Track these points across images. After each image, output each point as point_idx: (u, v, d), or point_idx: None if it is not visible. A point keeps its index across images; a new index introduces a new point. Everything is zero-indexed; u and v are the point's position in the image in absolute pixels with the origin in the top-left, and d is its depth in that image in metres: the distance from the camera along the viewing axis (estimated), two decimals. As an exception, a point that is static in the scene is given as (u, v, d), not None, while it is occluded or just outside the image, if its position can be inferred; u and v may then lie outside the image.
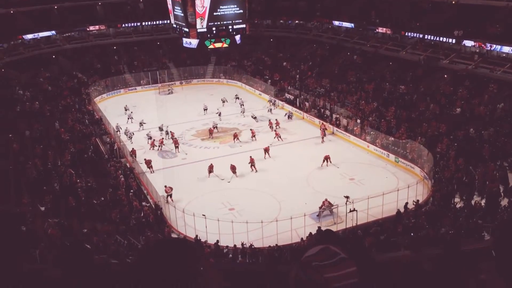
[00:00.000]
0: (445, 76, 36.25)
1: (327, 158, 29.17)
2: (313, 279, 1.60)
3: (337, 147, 32.86)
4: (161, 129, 35.98)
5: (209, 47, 35.87)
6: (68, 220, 20.68)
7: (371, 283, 1.67)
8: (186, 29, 34.25)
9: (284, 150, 31.57)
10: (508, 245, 1.73)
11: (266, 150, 30.75)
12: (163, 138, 34.09)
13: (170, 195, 25.62)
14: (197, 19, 33.57)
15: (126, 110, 40.91)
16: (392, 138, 31.06)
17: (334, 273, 1.61)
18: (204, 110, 41.04)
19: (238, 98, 43.81)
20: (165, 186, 25.95)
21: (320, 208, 23.30)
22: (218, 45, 36.09)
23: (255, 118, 38.63)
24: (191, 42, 35.33)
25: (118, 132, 36.14)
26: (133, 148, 31.86)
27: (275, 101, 43.07)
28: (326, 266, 1.63)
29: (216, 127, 36.65)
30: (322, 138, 33.80)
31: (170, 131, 34.92)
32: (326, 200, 23.42)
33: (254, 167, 28.87)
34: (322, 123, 36.09)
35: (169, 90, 49.40)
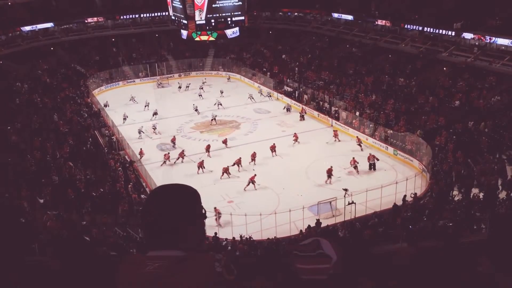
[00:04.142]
0: (444, 68, 36.20)
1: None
2: (288, 264, 1.64)
3: (335, 140, 32.95)
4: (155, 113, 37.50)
5: (195, 39, 35.70)
6: (67, 213, 20.71)
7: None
8: (185, 21, 34.10)
9: (283, 143, 31.51)
10: (503, 238, 1.75)
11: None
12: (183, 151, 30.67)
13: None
14: (195, 11, 33.39)
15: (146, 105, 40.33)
16: (391, 131, 31.08)
17: (306, 265, 1.63)
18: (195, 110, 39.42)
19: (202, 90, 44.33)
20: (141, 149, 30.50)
21: (351, 164, 26.90)
22: (204, 38, 35.79)
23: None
24: (183, 33, 35.41)
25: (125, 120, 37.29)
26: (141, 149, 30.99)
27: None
28: (303, 257, 1.65)
29: (215, 119, 36.77)
30: (302, 117, 37.00)
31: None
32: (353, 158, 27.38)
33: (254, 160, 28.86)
34: (302, 107, 38.24)
35: (159, 84, 48.59)
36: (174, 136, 33.20)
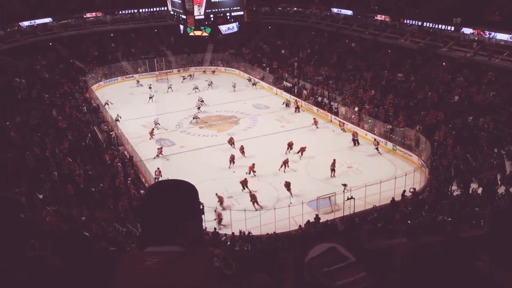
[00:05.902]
0: (444, 63, 36.16)
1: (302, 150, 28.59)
2: (325, 285, 1.54)
3: (334, 135, 32.96)
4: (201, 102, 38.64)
5: (190, 34, 35.61)
6: (67, 208, 20.73)
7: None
8: (184, 16, 34.01)
9: (281, 138, 31.50)
10: (503, 233, 1.74)
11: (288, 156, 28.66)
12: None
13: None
14: (194, 6, 33.31)
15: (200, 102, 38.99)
16: (390, 126, 31.08)
17: (345, 279, 1.55)
18: (201, 102, 39.17)
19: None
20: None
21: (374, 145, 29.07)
22: (197, 33, 35.62)
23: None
24: (181, 28, 35.45)
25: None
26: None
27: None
28: (337, 271, 1.57)
29: (201, 108, 37.86)
30: (297, 109, 37.80)
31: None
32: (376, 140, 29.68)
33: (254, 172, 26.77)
34: (296, 100, 39.05)
35: (138, 82, 47.22)
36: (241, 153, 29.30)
